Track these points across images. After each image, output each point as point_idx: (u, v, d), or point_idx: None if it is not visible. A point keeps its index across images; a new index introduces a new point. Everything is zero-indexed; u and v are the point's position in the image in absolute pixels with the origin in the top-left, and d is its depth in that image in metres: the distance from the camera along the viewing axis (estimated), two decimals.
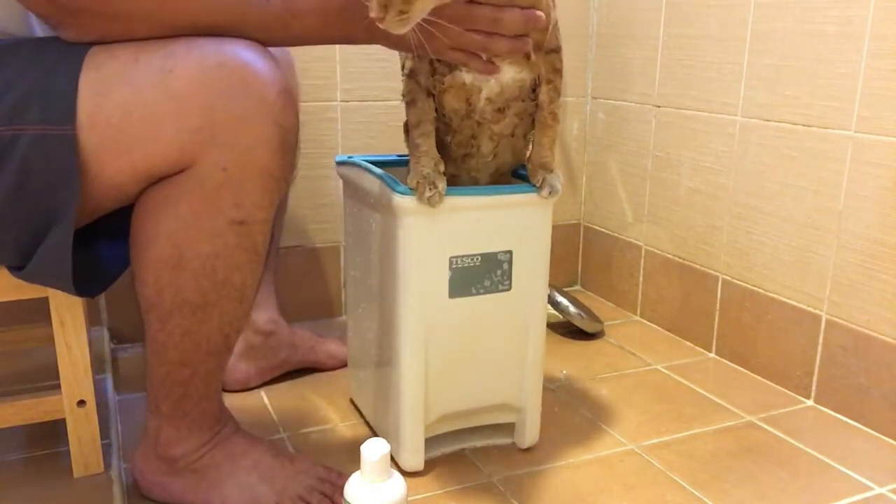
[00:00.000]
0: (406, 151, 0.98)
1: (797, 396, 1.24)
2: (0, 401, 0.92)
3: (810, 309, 1.21)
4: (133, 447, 0.94)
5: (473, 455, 1.04)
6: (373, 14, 0.75)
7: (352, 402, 1.18)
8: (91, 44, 0.75)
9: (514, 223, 0.95)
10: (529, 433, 1.04)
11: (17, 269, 0.81)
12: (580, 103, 1.66)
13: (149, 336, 0.84)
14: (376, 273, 0.99)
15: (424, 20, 0.76)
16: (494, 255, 0.95)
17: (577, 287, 1.76)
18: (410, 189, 0.88)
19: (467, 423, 1.03)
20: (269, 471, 0.90)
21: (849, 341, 1.15)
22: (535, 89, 0.92)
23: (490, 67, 0.85)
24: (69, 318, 0.90)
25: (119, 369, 1.29)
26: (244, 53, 0.75)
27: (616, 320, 1.57)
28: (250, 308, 0.87)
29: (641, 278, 1.57)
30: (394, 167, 1.02)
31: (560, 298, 1.46)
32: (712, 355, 1.40)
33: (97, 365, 1.06)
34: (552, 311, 1.45)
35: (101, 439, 0.95)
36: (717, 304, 1.38)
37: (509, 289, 0.97)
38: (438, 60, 0.87)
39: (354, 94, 1.45)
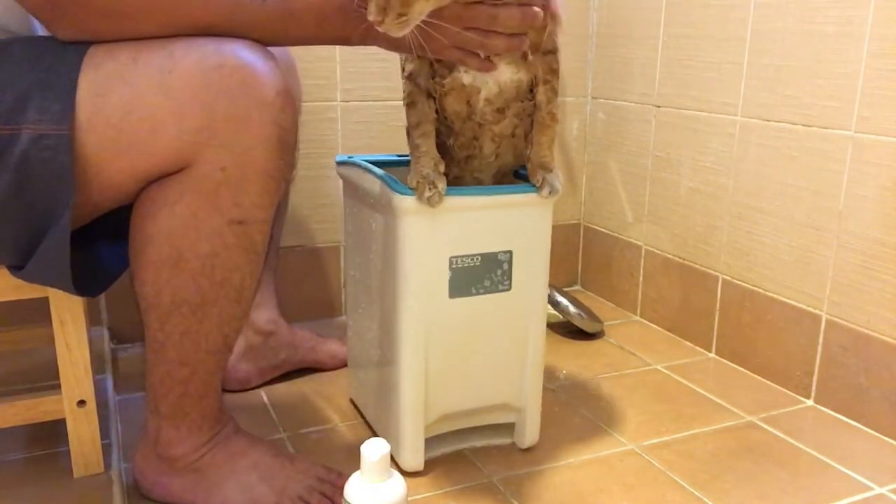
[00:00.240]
0: (408, 151, 0.98)
1: (797, 396, 1.24)
2: (0, 401, 0.92)
3: (810, 309, 1.21)
4: (133, 447, 0.94)
5: (473, 455, 1.04)
6: (371, 17, 0.75)
7: (352, 402, 1.18)
8: (86, 43, 0.75)
9: (514, 223, 0.95)
10: (529, 433, 1.04)
11: (17, 268, 0.81)
12: (580, 103, 1.66)
13: (148, 336, 0.84)
14: (376, 273, 0.99)
15: (423, 22, 0.77)
16: (494, 255, 0.95)
17: (577, 287, 1.76)
18: (410, 189, 0.88)
19: (467, 423, 1.03)
20: (269, 471, 0.90)
21: (849, 341, 1.15)
22: (532, 90, 0.92)
23: (488, 65, 0.85)
24: (69, 317, 0.90)
25: (119, 369, 1.29)
26: (243, 54, 0.75)
27: (616, 320, 1.57)
28: (249, 308, 0.87)
29: (641, 278, 1.57)
30: (394, 167, 1.02)
31: (560, 298, 1.46)
32: (712, 355, 1.40)
33: (97, 365, 1.06)
34: (552, 311, 1.45)
35: (101, 439, 0.95)
36: (717, 304, 1.38)
37: (509, 289, 0.97)
38: (438, 62, 0.88)
39: (354, 94, 1.45)
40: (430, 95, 0.90)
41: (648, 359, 1.38)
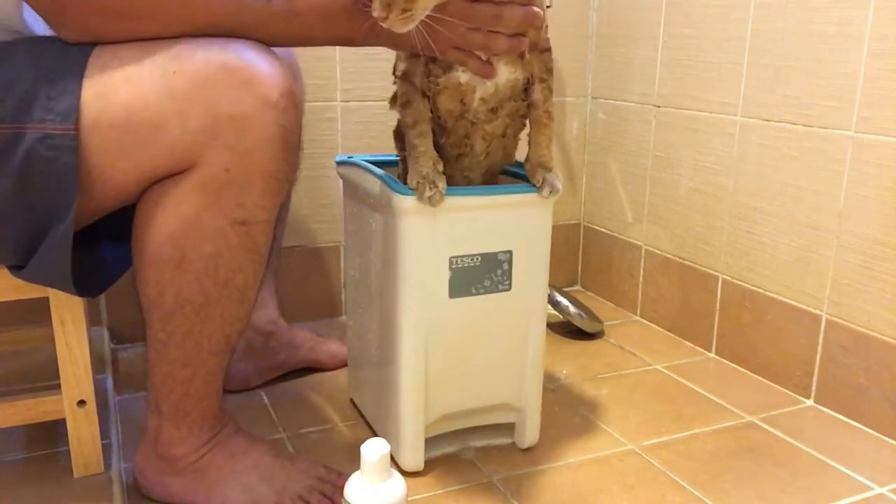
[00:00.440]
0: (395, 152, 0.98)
1: (797, 396, 1.24)
2: (0, 401, 0.92)
3: (810, 309, 1.21)
4: (133, 447, 0.94)
5: (473, 455, 1.04)
6: (375, 13, 0.75)
7: (352, 402, 1.18)
8: (91, 44, 0.76)
9: (514, 223, 0.95)
10: (529, 433, 1.04)
11: (18, 268, 0.81)
12: (580, 103, 1.66)
13: (150, 336, 0.84)
14: (376, 273, 0.99)
15: (428, 18, 0.77)
16: (494, 255, 0.95)
17: (577, 287, 1.76)
18: (410, 189, 0.88)
19: (467, 423, 1.03)
20: (269, 471, 0.90)
21: (848, 341, 1.15)
22: (526, 89, 0.92)
23: (487, 69, 0.86)
24: (69, 317, 0.90)
25: (119, 369, 1.29)
26: (247, 54, 0.75)
27: (616, 320, 1.57)
28: (251, 308, 0.87)
29: (641, 278, 1.57)
30: (394, 167, 1.02)
31: (560, 298, 1.46)
32: (712, 355, 1.40)
33: (97, 365, 1.06)
34: (552, 311, 1.45)
35: (101, 439, 0.95)
36: (717, 304, 1.38)
37: (509, 289, 0.97)
38: (433, 61, 0.88)
39: (354, 94, 1.45)
40: (424, 95, 0.90)
41: (648, 359, 1.38)
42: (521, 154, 1.00)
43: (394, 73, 0.93)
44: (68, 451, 0.94)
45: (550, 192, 0.94)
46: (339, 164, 1.07)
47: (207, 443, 0.89)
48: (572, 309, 1.45)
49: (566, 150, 1.68)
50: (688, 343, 1.45)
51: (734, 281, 1.34)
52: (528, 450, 1.05)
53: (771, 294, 1.27)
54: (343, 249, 1.49)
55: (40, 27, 0.81)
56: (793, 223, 1.22)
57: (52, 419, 0.93)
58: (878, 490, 0.98)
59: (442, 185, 0.88)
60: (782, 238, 1.24)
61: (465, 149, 0.94)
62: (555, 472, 1.01)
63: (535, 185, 0.94)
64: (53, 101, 0.73)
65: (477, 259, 0.94)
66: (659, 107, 1.47)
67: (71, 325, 0.90)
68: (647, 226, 1.54)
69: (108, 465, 0.96)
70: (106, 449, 0.97)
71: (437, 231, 0.91)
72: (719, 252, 1.37)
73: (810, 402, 1.22)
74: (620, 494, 0.96)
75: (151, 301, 0.82)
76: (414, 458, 0.98)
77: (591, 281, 1.73)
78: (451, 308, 0.94)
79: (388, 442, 0.80)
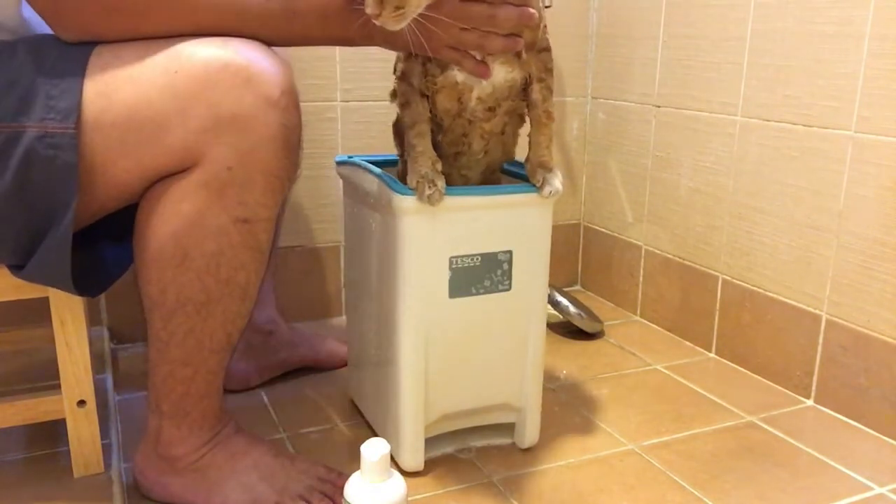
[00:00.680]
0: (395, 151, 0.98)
1: (797, 396, 1.24)
2: (0, 401, 0.92)
3: (810, 309, 1.21)
4: (133, 447, 0.94)
5: (473, 455, 1.04)
6: (369, 10, 0.75)
7: (352, 401, 1.18)
8: (93, 43, 0.76)
9: (514, 223, 0.95)
10: (529, 433, 1.04)
11: (18, 268, 0.81)
12: (580, 103, 1.66)
13: (151, 334, 0.84)
14: (376, 273, 0.99)
15: (421, 16, 0.77)
16: (494, 255, 0.95)
17: (577, 287, 1.76)
18: (410, 189, 0.88)
19: (467, 423, 1.03)
20: (269, 470, 0.90)
21: (848, 341, 1.15)
22: (524, 89, 0.92)
23: (482, 68, 0.86)
24: (69, 317, 0.90)
25: (119, 369, 1.29)
26: (248, 53, 0.75)
27: (616, 320, 1.57)
28: (252, 306, 0.87)
29: (641, 278, 1.57)
30: (394, 167, 1.02)
31: (560, 298, 1.46)
32: (712, 355, 1.40)
33: (97, 365, 1.06)
34: (552, 311, 1.45)
35: (101, 439, 0.95)
36: (717, 304, 1.38)
37: (509, 289, 0.97)
38: (430, 61, 0.88)
39: (354, 94, 1.45)
40: (423, 95, 0.90)
41: (648, 359, 1.38)
42: (521, 154, 1.00)
43: (394, 73, 0.94)
44: (68, 451, 0.94)
45: (551, 192, 0.93)
46: (339, 164, 1.07)
47: (208, 442, 0.89)
48: (572, 309, 1.45)
49: (566, 150, 1.68)
50: (688, 343, 1.45)
51: (734, 281, 1.34)
52: (528, 450, 1.05)
53: (771, 294, 1.27)
54: (343, 249, 1.49)
55: (41, 26, 0.81)
56: (793, 223, 1.22)
57: (52, 419, 0.93)
58: (878, 490, 0.98)
59: (441, 184, 0.88)
60: (782, 238, 1.24)
61: (463, 147, 0.94)
62: (555, 472, 1.01)
63: (535, 185, 0.94)
64: (54, 100, 0.73)
65: (477, 259, 0.94)
66: (659, 107, 1.47)
67: (71, 325, 0.90)
68: (647, 226, 1.54)
69: (108, 465, 0.97)
70: (106, 449, 0.97)
71: (436, 231, 0.91)
72: (719, 252, 1.37)
73: (810, 402, 1.22)
74: (620, 494, 0.96)
75: (153, 300, 0.82)
76: (414, 458, 0.98)
77: (591, 281, 1.73)
78: (451, 308, 0.94)
79: (388, 442, 0.80)
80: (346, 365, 1.22)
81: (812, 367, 1.21)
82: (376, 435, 1.06)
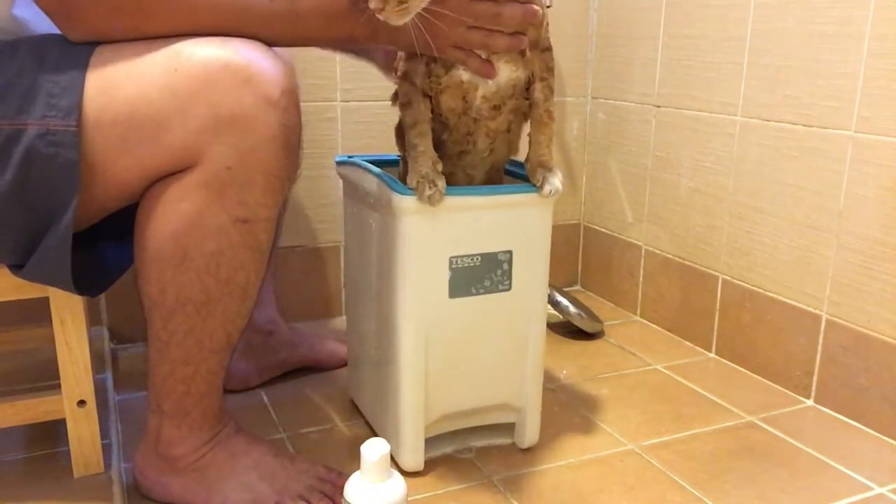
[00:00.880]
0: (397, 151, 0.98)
1: (797, 396, 1.24)
2: (0, 401, 0.92)
3: (810, 309, 1.21)
4: (133, 447, 0.94)
5: (473, 455, 1.04)
6: (372, 4, 0.75)
7: (352, 401, 1.18)
8: (94, 43, 0.76)
9: (514, 223, 0.95)
10: (529, 433, 1.04)
11: (18, 267, 0.81)
12: (580, 103, 1.66)
13: (151, 334, 0.84)
14: (376, 273, 0.99)
15: (425, 12, 0.77)
16: (494, 255, 0.95)
17: (577, 287, 1.76)
18: (410, 189, 0.88)
19: (467, 423, 1.03)
20: (269, 470, 0.90)
21: (849, 341, 1.15)
22: (528, 87, 0.92)
23: (487, 67, 0.86)
24: (69, 317, 0.90)
25: (119, 369, 1.29)
26: (249, 53, 0.75)
27: (616, 320, 1.57)
28: (252, 306, 0.87)
29: (641, 278, 1.57)
30: (394, 167, 1.02)
31: (560, 298, 1.46)
32: (712, 355, 1.40)
33: (97, 364, 1.06)
34: (552, 311, 1.45)
35: (101, 439, 0.95)
36: (717, 304, 1.38)
37: (509, 289, 0.97)
38: (434, 61, 0.88)
39: (354, 94, 1.45)
40: (425, 94, 0.90)
41: (648, 359, 1.38)
42: (521, 154, 1.00)
43: (395, 73, 0.93)
44: (68, 451, 0.94)
45: (551, 192, 0.93)
46: (339, 164, 1.07)
47: (208, 442, 0.89)
48: (572, 309, 1.45)
49: (566, 150, 1.68)
50: (688, 343, 1.45)
51: (734, 281, 1.34)
52: (528, 450, 1.05)
53: (771, 294, 1.27)
54: (343, 249, 1.49)
55: (36, 26, 0.81)
56: (793, 223, 1.22)
57: (52, 419, 0.93)
58: (878, 490, 0.98)
59: (441, 184, 0.88)
60: (782, 238, 1.24)
61: (468, 146, 0.94)
62: (555, 472, 1.01)
63: (535, 185, 0.94)
64: (56, 98, 0.73)
65: (477, 259, 0.94)
66: (659, 107, 1.47)
67: (71, 324, 0.90)
68: (647, 226, 1.54)
69: (108, 465, 0.96)
70: (106, 449, 0.97)
71: (436, 231, 0.91)
72: (719, 252, 1.37)
73: (810, 402, 1.22)
74: (620, 494, 0.96)
75: (153, 299, 0.82)
76: (414, 458, 0.98)
77: (591, 281, 1.73)
78: (451, 308, 0.94)
79: (388, 442, 0.80)
80: (345, 365, 1.22)
81: (812, 367, 1.21)
82: (376, 435, 1.06)
